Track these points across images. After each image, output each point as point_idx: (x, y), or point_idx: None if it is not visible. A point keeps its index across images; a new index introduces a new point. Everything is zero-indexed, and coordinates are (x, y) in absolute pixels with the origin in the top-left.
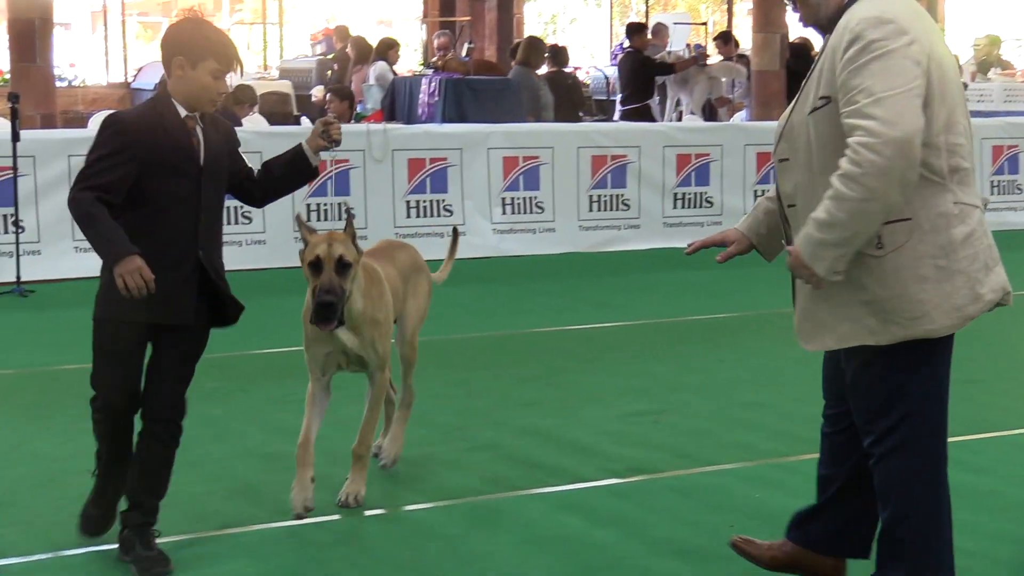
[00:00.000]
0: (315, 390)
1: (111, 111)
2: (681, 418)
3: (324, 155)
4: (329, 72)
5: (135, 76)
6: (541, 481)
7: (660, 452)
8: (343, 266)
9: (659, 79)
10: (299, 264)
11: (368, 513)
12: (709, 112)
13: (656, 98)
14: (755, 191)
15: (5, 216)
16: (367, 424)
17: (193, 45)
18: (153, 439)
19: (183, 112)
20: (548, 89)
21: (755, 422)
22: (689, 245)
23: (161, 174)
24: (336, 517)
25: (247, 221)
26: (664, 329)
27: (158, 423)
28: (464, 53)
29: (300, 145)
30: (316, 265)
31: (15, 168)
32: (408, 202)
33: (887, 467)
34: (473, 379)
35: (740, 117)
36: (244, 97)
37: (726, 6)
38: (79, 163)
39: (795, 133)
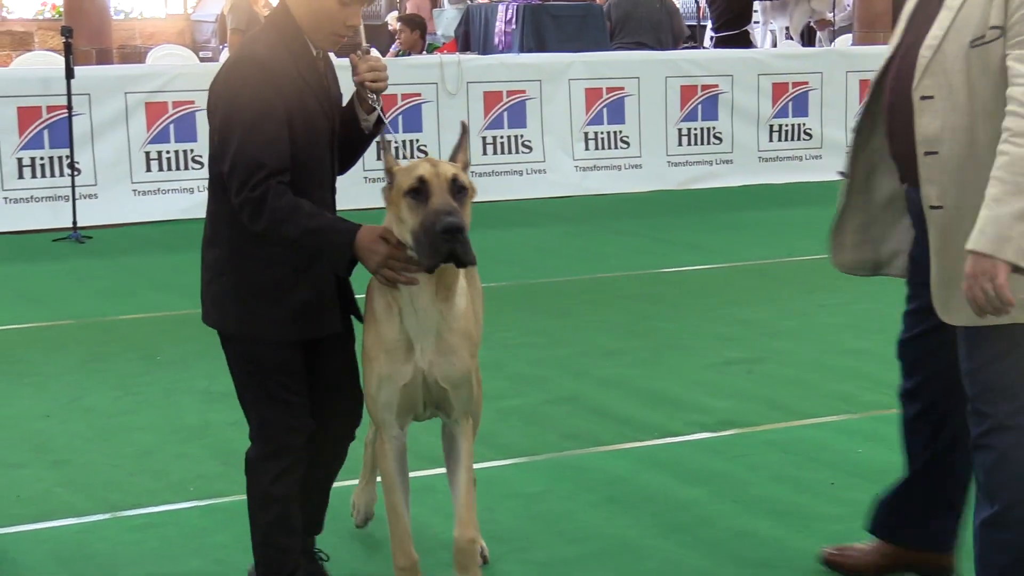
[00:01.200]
0: (392, 452)
1: (244, 54)
2: (777, 367)
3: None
4: None
5: (195, 8)
6: (625, 436)
7: (754, 404)
8: (460, 191)
9: (756, 3)
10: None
11: (439, 471)
12: (808, 37)
13: (756, 23)
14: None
15: (60, 158)
16: (466, 504)
17: None
18: (334, 459)
19: (313, 50)
20: (674, 14)
21: (857, 371)
22: None
23: (299, 140)
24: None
25: None
26: (759, 272)
27: (340, 442)
28: None
29: (352, 99)
30: (419, 192)
31: (69, 107)
32: (484, 138)
33: (1004, 457)
34: (553, 326)
35: (843, 41)
36: None
37: None
38: (138, 101)
39: (947, 66)
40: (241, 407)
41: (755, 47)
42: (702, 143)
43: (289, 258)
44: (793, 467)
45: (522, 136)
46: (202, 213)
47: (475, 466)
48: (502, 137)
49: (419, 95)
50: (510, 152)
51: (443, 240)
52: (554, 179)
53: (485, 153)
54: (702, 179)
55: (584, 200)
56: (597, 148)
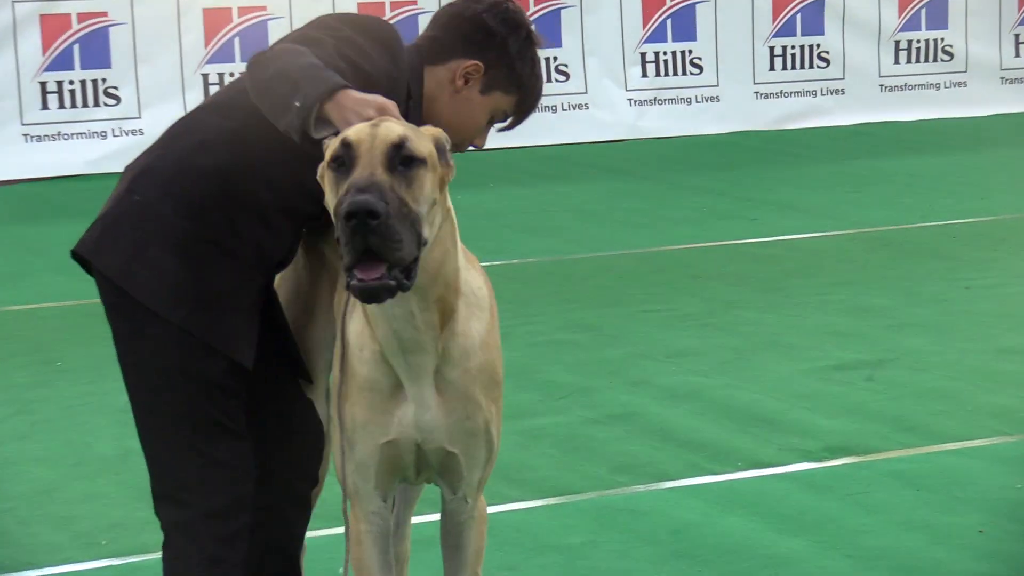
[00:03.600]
0: (370, 538)
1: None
2: (907, 373)
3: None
4: None
5: None
6: (698, 467)
7: (876, 423)
8: (406, 162)
9: None
10: None
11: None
12: None
13: None
14: (1016, 36)
15: None
16: None
17: (504, 63)
18: (289, 526)
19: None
20: None
21: (1017, 378)
22: None
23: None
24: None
25: None
26: (881, 242)
27: (296, 506)
28: None
29: None
30: (342, 161)
31: None
32: None
33: None
34: (601, 318)
35: None
36: None
37: None
38: (30, 13)
39: None
40: (151, 451)
41: None
42: (802, 66)
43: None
44: (929, 508)
45: (556, 59)
46: (118, 167)
47: (495, 509)
48: None
49: (414, 2)
50: None
51: (348, 230)
52: (600, 117)
53: None
54: (802, 116)
55: (641, 146)
56: (658, 75)
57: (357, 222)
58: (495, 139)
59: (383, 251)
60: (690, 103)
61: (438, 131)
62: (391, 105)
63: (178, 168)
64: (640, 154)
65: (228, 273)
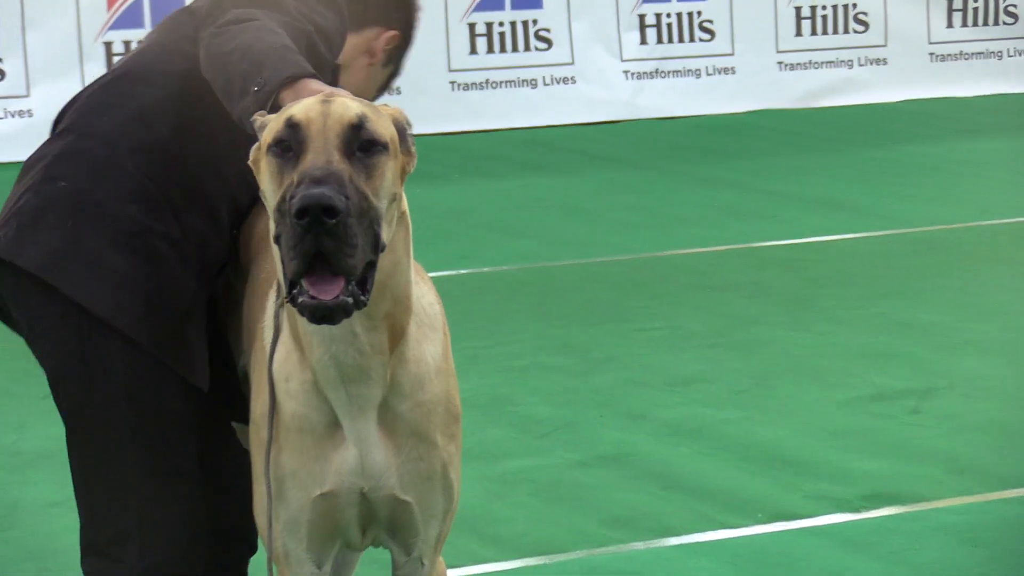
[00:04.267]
0: None
1: None
2: (962, 403)
3: None
4: None
5: None
6: (709, 520)
7: (924, 465)
8: (367, 146)
9: None
10: None
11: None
12: None
13: None
14: None
15: None
16: None
17: (409, 35)
18: None
19: None
20: None
21: None
22: None
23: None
24: None
25: None
26: (932, 244)
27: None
28: None
29: None
30: (287, 144)
31: None
32: (471, 26)
33: None
34: (590, 338)
35: None
36: None
37: None
38: None
39: None
40: (86, 494)
41: None
42: (835, 30)
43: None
44: (990, 568)
45: (535, 22)
46: (3, 155)
47: (460, 572)
48: (500, 23)
49: None
50: (514, 49)
51: (298, 230)
52: (589, 93)
53: (473, 51)
54: (836, 91)
55: (640, 128)
56: (660, 41)
57: (310, 220)
58: (460, 121)
59: (336, 258)
60: (699, 76)
61: (397, 110)
62: (336, 92)
63: (111, 147)
64: (638, 138)
65: (177, 272)
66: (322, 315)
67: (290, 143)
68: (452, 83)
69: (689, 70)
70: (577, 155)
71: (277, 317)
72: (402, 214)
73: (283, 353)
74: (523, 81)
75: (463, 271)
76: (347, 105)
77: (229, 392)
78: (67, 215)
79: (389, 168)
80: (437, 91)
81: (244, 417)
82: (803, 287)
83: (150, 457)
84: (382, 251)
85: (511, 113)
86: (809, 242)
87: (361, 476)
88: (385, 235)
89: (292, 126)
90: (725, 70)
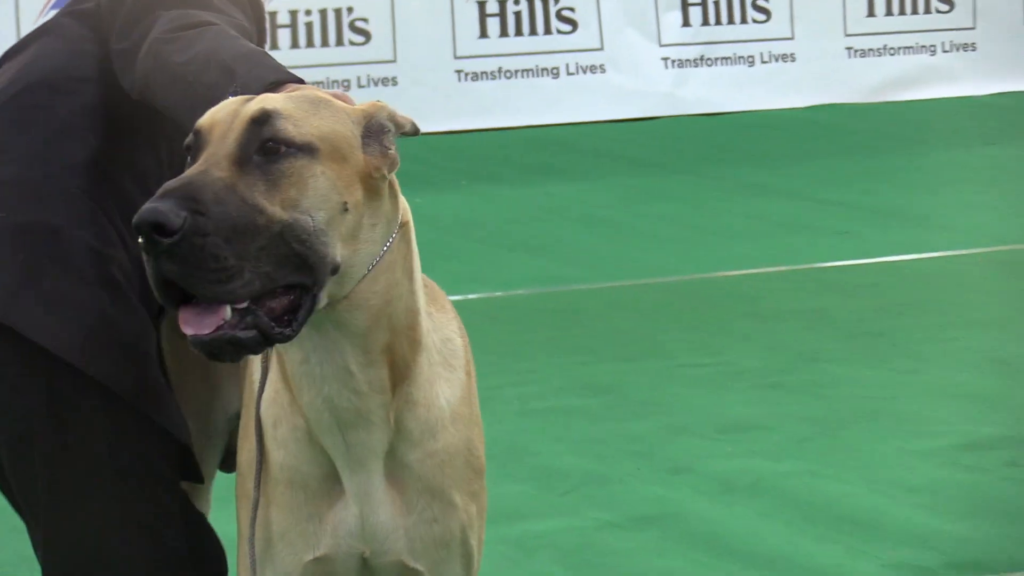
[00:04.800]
0: None
1: None
2: None
3: None
4: None
5: None
6: None
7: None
8: (268, 150)
9: None
10: None
11: None
12: None
13: None
14: None
15: None
16: None
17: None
18: None
19: None
20: None
21: None
22: None
23: None
24: None
25: None
26: None
27: None
28: None
29: None
30: (192, 153)
31: None
32: (482, 4)
33: None
34: (623, 376)
35: None
36: None
37: None
38: None
39: None
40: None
41: None
42: (915, 10)
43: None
44: None
45: (557, 0)
46: None
47: None
48: (515, 1)
49: None
50: (532, 32)
51: (144, 254)
52: (621, 84)
53: (483, 35)
54: (915, 82)
55: (680, 125)
56: (706, 23)
57: (146, 242)
58: (467, 117)
59: (188, 284)
60: (752, 64)
61: (374, 105)
62: (351, 101)
63: (45, 166)
64: (678, 138)
65: (136, 306)
66: (208, 353)
67: (194, 151)
68: (458, 72)
69: (740, 57)
70: (606, 158)
71: (265, 353)
72: (403, 225)
73: (271, 394)
74: (542, 70)
75: (471, 295)
76: (262, 102)
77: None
78: (16, 249)
79: (317, 174)
80: (440, 82)
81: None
82: (874, 316)
83: (133, 528)
84: (334, 273)
85: (528, 108)
86: (881, 262)
87: (362, 539)
88: (339, 252)
89: (196, 131)
90: (783, 57)
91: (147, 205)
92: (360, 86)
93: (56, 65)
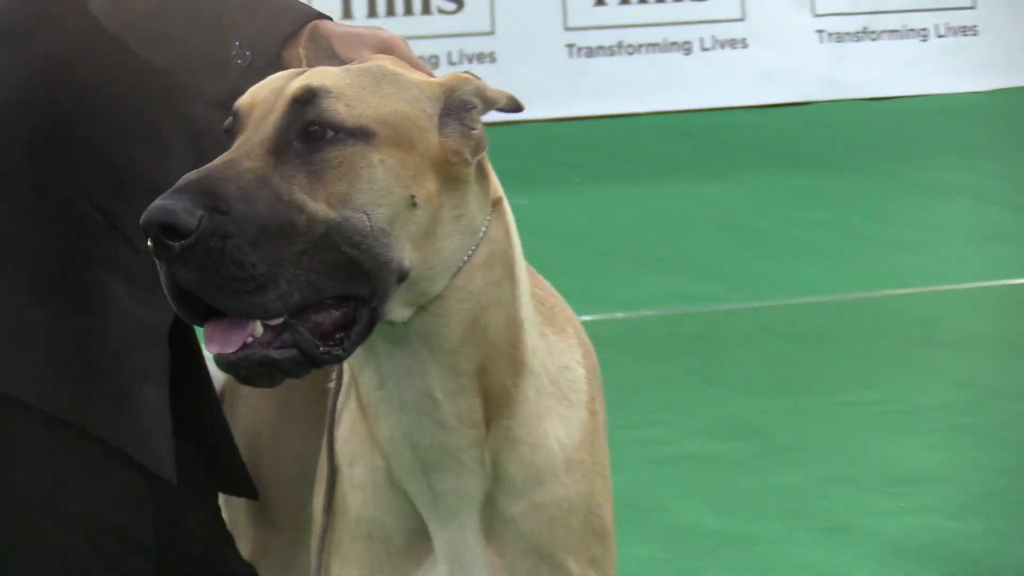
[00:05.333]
0: None
1: None
2: None
3: None
4: None
5: None
6: None
7: None
8: (310, 135)
9: None
10: None
11: None
12: None
13: None
14: None
15: None
16: None
17: None
18: None
19: None
20: None
21: None
22: None
23: None
24: None
25: None
26: None
27: None
28: None
29: None
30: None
31: None
32: None
33: None
34: (771, 416)
35: None
36: None
37: None
38: None
39: None
40: None
41: None
42: None
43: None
44: None
45: None
46: None
47: None
48: None
49: None
50: None
51: (155, 258)
52: (767, 62)
53: (600, 2)
54: None
55: (839, 112)
56: None
57: (155, 246)
58: (581, 101)
59: (208, 296)
60: (925, 38)
61: (456, 77)
62: (399, 41)
63: None
64: (836, 127)
65: (129, 309)
66: (237, 376)
67: (232, 138)
68: (570, 47)
69: (912, 30)
70: (749, 152)
71: (339, 374)
72: (495, 204)
73: (348, 427)
74: (671, 44)
75: (586, 317)
76: (310, 77)
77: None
78: None
79: (374, 163)
80: (548, 59)
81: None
82: None
83: None
84: (402, 280)
85: (653, 91)
86: None
87: None
88: (407, 256)
89: (235, 113)
90: (963, 30)
91: (156, 202)
92: (451, 63)
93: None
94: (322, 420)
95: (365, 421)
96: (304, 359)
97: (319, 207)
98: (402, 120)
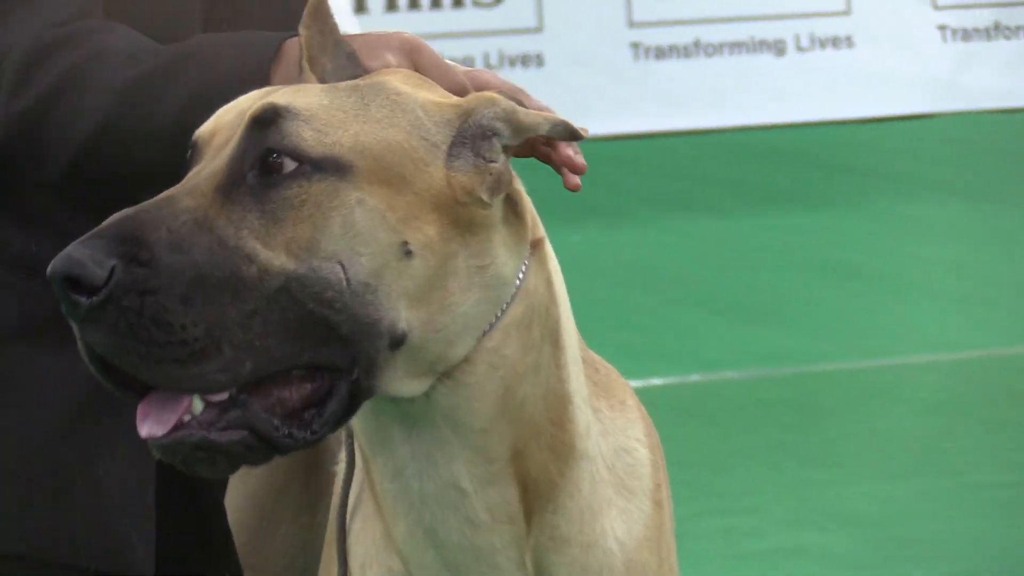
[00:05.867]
0: None
1: None
2: None
3: None
4: None
5: None
6: None
7: None
8: (267, 166)
9: None
10: None
11: None
12: None
13: None
14: None
15: None
16: None
17: None
18: None
19: None
20: None
21: None
22: None
23: None
24: None
25: None
26: None
27: None
28: None
29: None
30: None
31: None
32: None
33: None
34: (895, 498)
35: None
36: None
37: None
38: None
39: None
40: None
41: None
42: None
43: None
44: None
45: None
46: None
47: None
48: None
49: None
50: None
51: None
52: (878, 65)
53: None
54: None
55: (968, 125)
56: None
57: (63, 304)
58: (647, 113)
59: (129, 365)
60: None
61: (477, 98)
62: (420, 45)
63: None
64: (965, 145)
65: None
66: (176, 463)
67: (185, 172)
68: (635, 47)
69: None
70: (854, 174)
71: (350, 453)
72: (535, 246)
73: (360, 521)
74: (760, 44)
75: (653, 380)
76: (280, 94)
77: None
78: None
79: (350, 203)
80: (608, 61)
81: None
82: None
83: None
84: (396, 346)
85: (737, 101)
86: None
87: None
88: (408, 314)
89: (193, 143)
90: None
91: (67, 248)
92: (489, 66)
93: None
94: (320, 501)
95: (380, 516)
96: (259, 443)
97: (274, 256)
98: (390, 151)
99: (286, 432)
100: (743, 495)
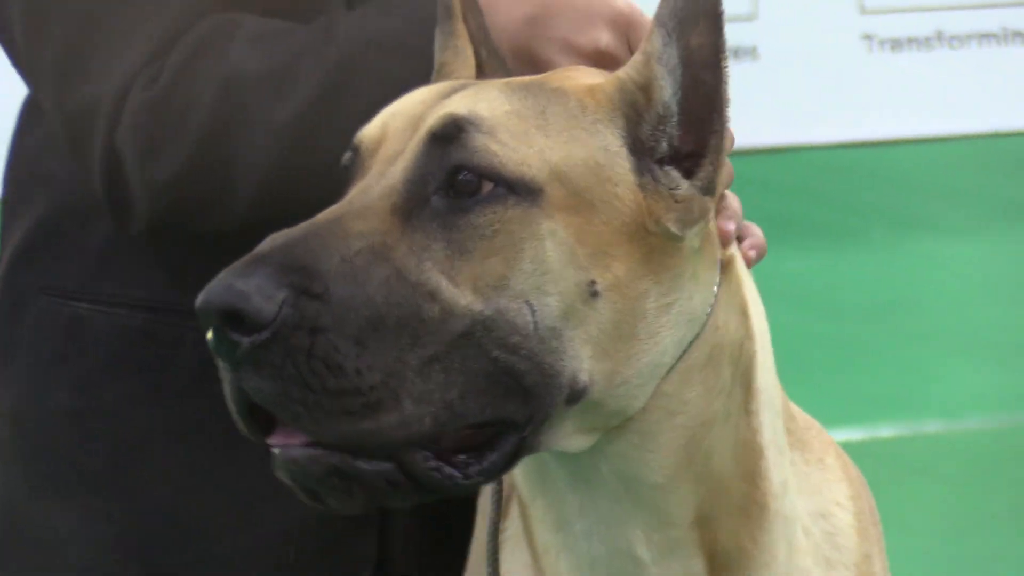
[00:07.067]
0: None
1: None
2: None
3: None
4: None
5: None
6: None
7: None
8: (459, 186)
9: None
10: None
11: None
12: None
13: None
14: None
15: None
16: None
17: None
18: None
19: None
20: None
21: None
22: None
23: None
24: None
25: None
26: None
27: None
28: None
29: None
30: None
31: None
32: None
33: None
34: None
35: None
36: None
37: None
38: None
39: None
40: None
41: None
42: None
43: None
44: None
45: None
46: None
47: None
48: None
49: None
50: None
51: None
52: None
53: None
54: None
55: None
56: None
57: (215, 342)
58: (876, 122)
59: (294, 417)
60: None
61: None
62: (640, 17)
63: None
64: None
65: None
66: (299, 483)
67: (349, 183)
68: (867, 39)
69: None
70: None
71: (497, 502)
72: (740, 307)
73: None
74: (1015, 35)
75: (884, 431)
76: (460, 100)
77: None
78: None
79: (542, 234)
80: (835, 54)
81: None
82: None
83: None
84: (573, 401)
85: (989, 102)
86: None
87: None
88: (590, 364)
89: (355, 148)
90: None
91: (220, 276)
92: None
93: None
94: None
95: (537, 567)
96: (404, 478)
97: (460, 294)
98: (577, 171)
99: (435, 471)
100: (990, 567)
